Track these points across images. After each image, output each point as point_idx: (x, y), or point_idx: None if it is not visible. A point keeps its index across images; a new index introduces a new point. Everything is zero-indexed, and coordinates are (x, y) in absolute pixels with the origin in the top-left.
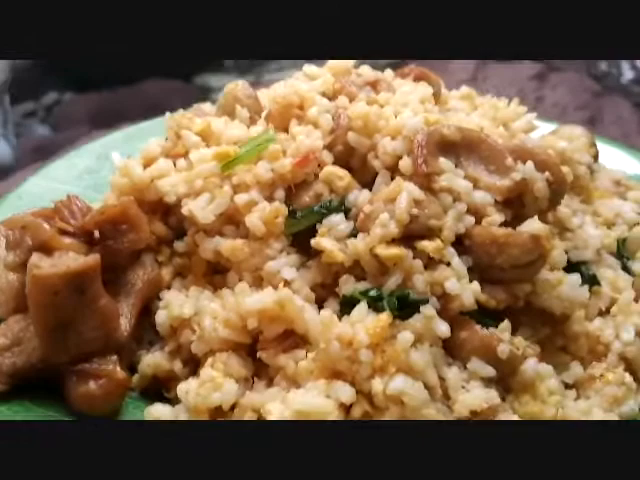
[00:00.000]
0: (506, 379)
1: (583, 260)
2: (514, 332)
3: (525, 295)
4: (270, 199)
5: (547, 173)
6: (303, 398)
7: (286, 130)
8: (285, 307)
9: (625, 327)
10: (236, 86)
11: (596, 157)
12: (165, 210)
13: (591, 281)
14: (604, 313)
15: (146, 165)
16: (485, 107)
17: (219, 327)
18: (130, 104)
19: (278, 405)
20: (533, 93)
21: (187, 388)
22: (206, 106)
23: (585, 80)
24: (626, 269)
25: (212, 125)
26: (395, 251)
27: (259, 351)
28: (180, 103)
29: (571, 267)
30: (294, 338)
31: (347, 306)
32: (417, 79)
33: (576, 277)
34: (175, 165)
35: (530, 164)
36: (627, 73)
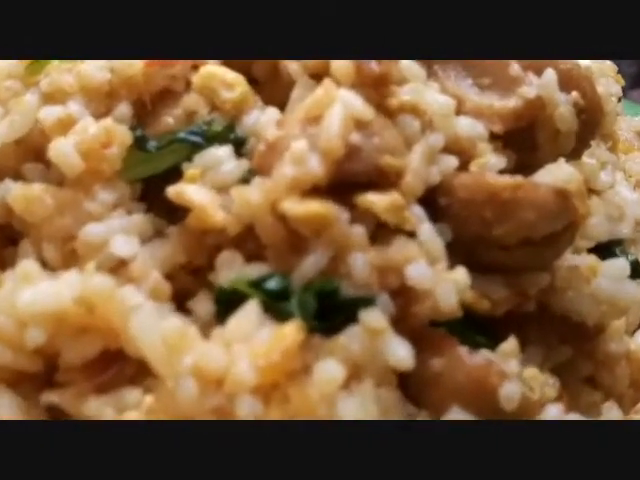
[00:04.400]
0: None
1: (617, 238)
2: None
3: (540, 293)
4: (104, 117)
5: (575, 93)
6: None
7: None
8: (97, 309)
9: None
10: None
11: (623, 91)
12: None
13: (633, 271)
14: None
15: None
16: None
17: None
18: None
19: None
20: None
21: None
22: None
23: None
24: None
25: None
26: (317, 207)
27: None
28: None
29: (599, 249)
30: (121, 365)
31: (226, 308)
32: None
33: (622, 263)
34: None
35: (551, 74)
36: None
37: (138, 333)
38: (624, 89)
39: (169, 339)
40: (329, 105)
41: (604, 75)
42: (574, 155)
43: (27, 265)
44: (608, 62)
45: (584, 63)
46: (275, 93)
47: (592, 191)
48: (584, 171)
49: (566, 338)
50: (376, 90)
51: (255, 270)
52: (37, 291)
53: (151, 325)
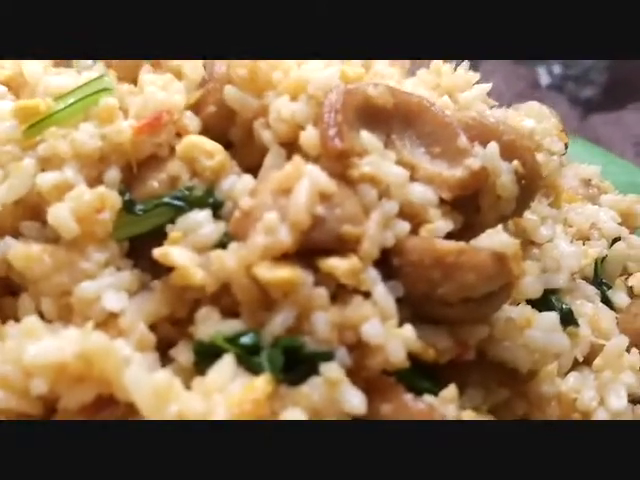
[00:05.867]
0: None
1: (553, 288)
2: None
3: (480, 342)
4: (96, 182)
5: (516, 162)
6: None
7: (135, 82)
8: (95, 363)
9: (613, 388)
10: None
11: (566, 146)
12: None
13: (566, 319)
14: (579, 365)
15: None
16: (422, 74)
17: None
18: None
19: None
20: None
21: None
22: None
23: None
24: (606, 301)
25: (25, 72)
26: (285, 273)
27: None
28: None
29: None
30: (112, 408)
31: (204, 358)
32: None
33: (553, 316)
34: None
35: (494, 146)
36: (543, 78)
37: (131, 384)
38: (589, 105)
39: (158, 390)
40: (298, 179)
41: (548, 134)
42: (515, 215)
43: (31, 321)
44: (553, 120)
45: (528, 126)
46: (250, 156)
47: (532, 243)
48: (525, 226)
49: (503, 381)
50: (339, 161)
51: (231, 326)
52: (41, 346)
53: (142, 377)
